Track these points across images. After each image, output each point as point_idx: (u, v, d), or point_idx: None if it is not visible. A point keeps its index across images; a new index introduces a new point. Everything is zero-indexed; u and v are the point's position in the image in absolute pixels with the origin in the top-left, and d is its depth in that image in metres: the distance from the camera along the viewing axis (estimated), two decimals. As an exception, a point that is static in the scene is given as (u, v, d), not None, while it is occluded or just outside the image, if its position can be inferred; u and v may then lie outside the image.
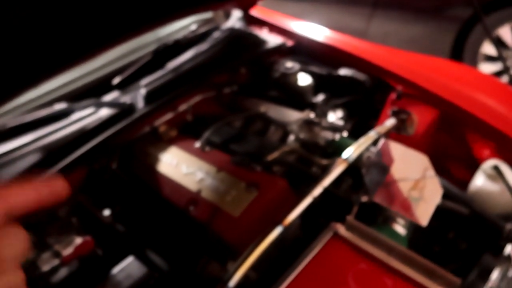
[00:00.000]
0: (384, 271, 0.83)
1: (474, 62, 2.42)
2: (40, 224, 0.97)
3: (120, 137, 1.13)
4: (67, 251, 0.89)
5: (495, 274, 0.86)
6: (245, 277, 0.84)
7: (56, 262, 0.88)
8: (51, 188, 0.30)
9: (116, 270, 0.88)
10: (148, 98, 1.22)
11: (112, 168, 1.12)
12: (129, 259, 0.90)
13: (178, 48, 1.47)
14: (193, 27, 1.66)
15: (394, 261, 0.84)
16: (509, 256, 0.88)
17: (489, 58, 2.43)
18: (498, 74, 2.44)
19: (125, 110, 1.18)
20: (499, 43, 2.36)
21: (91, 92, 1.31)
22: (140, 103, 1.21)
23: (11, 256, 0.28)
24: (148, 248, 0.95)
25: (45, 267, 0.87)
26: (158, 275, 0.88)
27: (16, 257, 0.29)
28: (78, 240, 0.91)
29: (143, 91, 1.24)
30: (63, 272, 0.88)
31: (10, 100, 1.02)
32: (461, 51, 2.45)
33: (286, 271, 0.82)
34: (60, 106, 1.21)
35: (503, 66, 2.37)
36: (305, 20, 1.65)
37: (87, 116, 1.17)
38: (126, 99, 1.23)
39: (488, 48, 2.39)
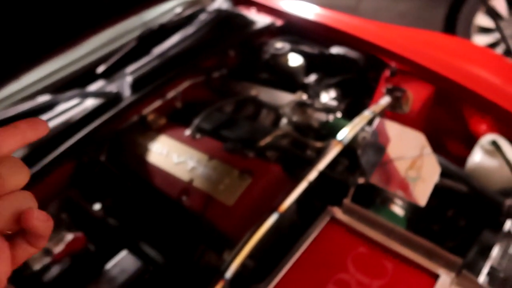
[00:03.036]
0: (384, 253, 0.81)
1: (467, 35, 2.38)
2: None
3: (107, 128, 1.10)
4: (58, 248, 0.87)
5: (495, 251, 0.85)
6: (243, 265, 0.82)
7: (47, 260, 0.86)
8: (32, 125, 0.33)
9: (109, 265, 0.86)
10: (135, 86, 1.18)
11: (101, 161, 1.08)
12: (123, 254, 0.88)
13: (164, 33, 1.42)
14: (178, 9, 1.60)
15: (393, 243, 0.82)
16: (509, 232, 0.86)
17: (483, 30, 2.39)
18: (493, 45, 2.40)
19: (111, 100, 1.15)
20: (493, 14, 2.32)
21: (75, 82, 1.27)
22: (127, 92, 1.17)
23: (13, 182, 0.30)
24: (141, 241, 0.92)
25: (36, 266, 0.85)
26: (153, 268, 0.86)
27: (17, 182, 0.31)
28: (69, 237, 0.89)
29: (129, 79, 1.19)
30: (55, 270, 0.86)
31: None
32: (454, 23, 2.40)
33: (284, 258, 0.81)
34: (44, 98, 1.18)
35: (500, 36, 2.33)
36: (294, -2, 1.60)
37: (72, 107, 1.14)
38: (112, 88, 1.19)
39: (482, 20, 2.34)
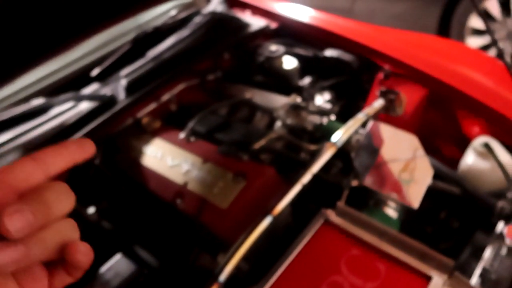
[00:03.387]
0: (377, 255, 0.82)
1: (461, 37, 2.39)
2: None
3: (101, 131, 1.10)
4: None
5: (487, 253, 0.86)
6: (237, 269, 0.82)
7: (40, 264, 0.85)
8: (81, 146, 0.33)
9: (104, 269, 0.86)
10: (129, 89, 1.18)
11: (95, 164, 1.08)
12: (117, 257, 0.88)
13: (159, 35, 1.42)
14: (173, 12, 1.60)
15: (386, 246, 0.82)
16: (501, 233, 0.87)
17: (476, 32, 2.40)
18: (486, 47, 2.42)
19: (105, 103, 1.14)
20: (486, 16, 2.33)
21: (70, 85, 1.26)
22: (121, 95, 1.17)
23: (60, 209, 0.30)
24: (136, 245, 0.92)
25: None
26: (147, 271, 0.86)
27: (64, 209, 0.30)
28: (63, 240, 0.88)
29: (123, 82, 1.19)
30: (48, 274, 0.86)
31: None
32: (448, 25, 2.42)
33: (278, 261, 0.81)
34: (38, 101, 1.17)
35: (491, 40, 2.35)
36: (290, 1, 1.61)
37: (66, 110, 1.13)
38: (106, 91, 1.19)
39: (475, 22, 2.36)
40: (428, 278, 0.77)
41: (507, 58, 2.32)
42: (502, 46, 2.37)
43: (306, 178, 0.90)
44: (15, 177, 0.29)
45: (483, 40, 2.39)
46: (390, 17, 2.66)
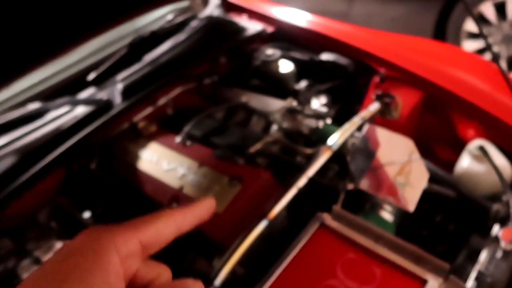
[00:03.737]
0: (372, 259, 0.82)
1: (457, 40, 2.41)
2: (19, 230, 0.94)
3: (98, 135, 1.10)
4: (48, 257, 0.86)
5: (483, 256, 0.86)
6: (233, 273, 0.82)
7: (36, 268, 0.85)
8: (207, 206, 0.36)
9: (99, 273, 0.85)
10: (126, 93, 1.18)
11: (91, 168, 1.08)
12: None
13: (155, 40, 1.42)
14: (170, 16, 1.61)
15: (381, 249, 0.82)
16: (496, 236, 0.87)
17: (472, 36, 2.42)
18: (482, 51, 2.43)
19: (102, 107, 1.15)
20: (481, 20, 2.35)
21: (66, 89, 1.27)
22: (118, 99, 1.17)
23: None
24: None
25: (25, 275, 0.84)
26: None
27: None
28: (59, 245, 0.88)
29: (120, 86, 1.20)
30: (44, 279, 0.85)
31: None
32: (444, 29, 2.44)
33: (273, 265, 0.81)
34: (34, 106, 1.17)
35: (489, 41, 2.36)
36: (286, 5, 1.62)
37: (63, 115, 1.14)
38: (102, 95, 1.19)
39: (471, 26, 2.37)
40: (423, 282, 0.77)
41: (503, 62, 2.33)
42: (497, 49, 2.38)
43: (302, 181, 0.90)
44: (148, 232, 0.32)
45: (479, 43, 2.40)
46: (387, 21, 2.67)
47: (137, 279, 0.32)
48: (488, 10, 2.29)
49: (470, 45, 2.42)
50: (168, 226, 0.34)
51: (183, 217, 0.35)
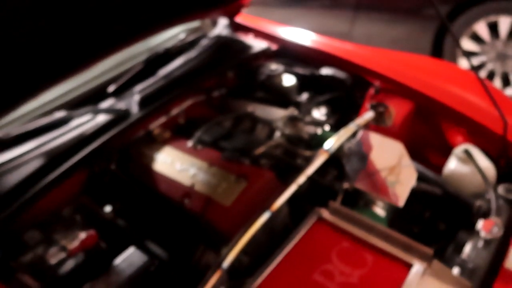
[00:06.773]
0: (365, 247, 0.91)
1: (453, 58, 2.52)
2: (46, 223, 1.04)
3: (116, 141, 1.21)
4: (73, 245, 0.96)
5: (467, 248, 0.94)
6: (238, 261, 0.91)
7: (63, 255, 0.95)
8: None
9: (119, 260, 0.95)
10: (142, 103, 1.30)
11: (111, 170, 1.19)
12: (131, 250, 0.97)
13: (169, 56, 1.55)
14: (182, 36, 1.74)
15: (373, 238, 0.91)
16: (479, 230, 0.95)
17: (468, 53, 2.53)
18: (478, 68, 2.53)
19: (120, 116, 1.26)
20: (476, 38, 2.47)
21: (89, 100, 1.39)
22: (135, 109, 1.29)
23: None
24: (147, 240, 1.02)
25: (53, 261, 0.94)
26: (158, 262, 0.96)
27: None
28: (83, 235, 0.98)
29: (137, 97, 1.31)
30: (69, 264, 0.95)
31: (14, 110, 1.10)
32: (441, 47, 2.55)
33: (274, 253, 0.90)
34: (60, 114, 1.29)
35: (484, 59, 2.48)
36: (290, 25, 1.74)
37: (85, 122, 1.25)
38: (121, 105, 1.31)
39: (466, 44, 2.49)
40: (409, 266, 0.86)
41: (497, 78, 2.43)
42: (492, 66, 2.49)
43: (301, 179, 1.00)
44: None
45: (475, 61, 2.51)
46: (388, 41, 2.78)
47: None
48: (481, 29, 2.40)
49: (466, 63, 2.53)
50: None
51: None
